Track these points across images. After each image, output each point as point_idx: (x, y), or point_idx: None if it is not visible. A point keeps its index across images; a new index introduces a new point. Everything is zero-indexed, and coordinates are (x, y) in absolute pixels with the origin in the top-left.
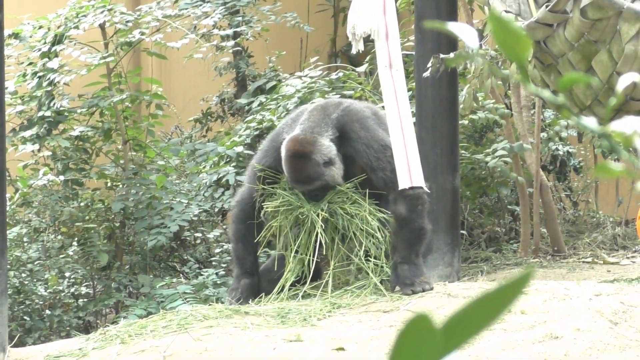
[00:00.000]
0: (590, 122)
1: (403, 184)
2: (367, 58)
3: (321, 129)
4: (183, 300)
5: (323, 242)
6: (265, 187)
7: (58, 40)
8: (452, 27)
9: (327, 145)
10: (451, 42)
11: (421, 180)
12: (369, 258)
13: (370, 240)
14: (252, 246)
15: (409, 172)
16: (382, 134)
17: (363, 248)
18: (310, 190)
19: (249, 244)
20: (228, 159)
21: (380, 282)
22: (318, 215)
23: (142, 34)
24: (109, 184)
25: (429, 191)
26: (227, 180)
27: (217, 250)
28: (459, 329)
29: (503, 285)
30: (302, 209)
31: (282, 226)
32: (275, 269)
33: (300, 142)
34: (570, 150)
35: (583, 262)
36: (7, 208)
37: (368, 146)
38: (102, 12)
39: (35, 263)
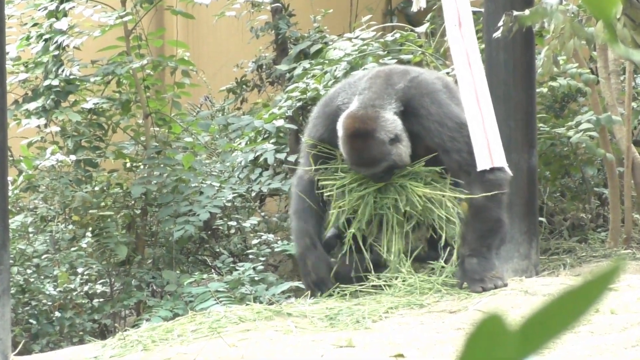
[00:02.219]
0: None
1: (482, 164)
2: (428, 16)
3: (384, 101)
4: (215, 299)
5: (389, 227)
6: (319, 167)
7: None
8: None
9: (391, 120)
10: None
11: (503, 159)
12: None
13: (452, 229)
14: (314, 225)
15: (489, 150)
16: (457, 110)
17: (444, 236)
18: (374, 173)
19: (310, 222)
20: (266, 135)
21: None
22: (389, 205)
23: None
24: (127, 165)
25: (511, 174)
26: (266, 160)
27: (255, 242)
28: (536, 331)
29: (588, 281)
30: (365, 190)
31: (344, 210)
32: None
33: (360, 118)
34: None
35: None
36: (10, 193)
37: (441, 124)
38: None
39: (43, 257)
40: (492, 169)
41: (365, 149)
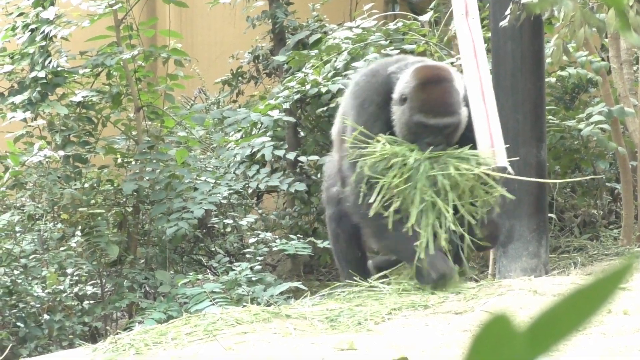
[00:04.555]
0: None
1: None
2: (432, 4)
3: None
4: (210, 301)
5: (444, 210)
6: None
7: None
8: None
9: (460, 79)
10: None
11: (504, 159)
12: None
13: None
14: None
15: (492, 149)
16: None
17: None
18: (443, 128)
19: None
20: (263, 129)
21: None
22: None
23: None
24: (118, 161)
25: (513, 172)
26: (263, 155)
27: (252, 240)
28: (545, 332)
29: (599, 280)
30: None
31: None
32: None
33: (436, 67)
34: None
35: None
36: None
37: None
38: None
39: (31, 257)
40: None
41: (444, 94)
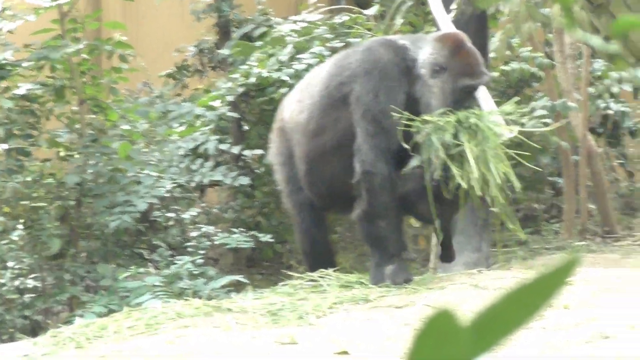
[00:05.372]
0: None
1: None
2: None
3: None
4: (152, 294)
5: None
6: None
7: None
8: None
9: None
10: None
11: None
12: None
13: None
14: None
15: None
16: None
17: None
18: (474, 89)
19: (399, 218)
20: (208, 122)
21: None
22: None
23: None
24: (62, 154)
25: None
26: (206, 149)
27: (194, 234)
28: (489, 327)
29: (542, 275)
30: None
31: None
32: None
33: (454, 33)
34: (624, 109)
35: None
36: None
37: None
38: None
39: None
40: None
41: (476, 54)
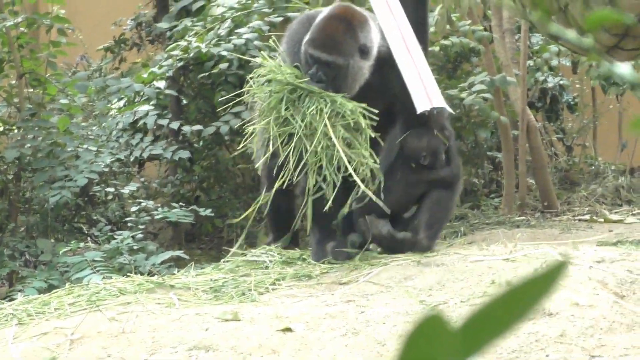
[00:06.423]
0: (626, 69)
1: (421, 105)
2: None
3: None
4: (92, 269)
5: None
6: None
7: None
8: None
9: (376, 33)
10: None
11: (441, 99)
12: None
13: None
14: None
15: (426, 91)
16: None
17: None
18: (325, 64)
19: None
20: (146, 97)
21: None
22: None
23: None
24: (0, 128)
25: (452, 111)
26: (145, 123)
27: (134, 209)
28: (479, 330)
29: (531, 279)
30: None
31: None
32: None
33: (349, 8)
34: (562, 83)
35: (579, 220)
36: None
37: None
38: None
39: None
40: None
41: (333, 31)
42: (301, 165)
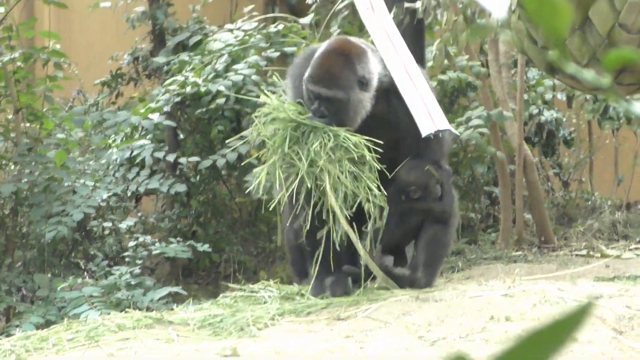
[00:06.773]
0: None
1: (425, 129)
2: (313, 7)
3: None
4: (89, 305)
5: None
6: None
7: None
8: None
9: (375, 64)
10: None
11: (445, 121)
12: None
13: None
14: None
15: (430, 115)
16: None
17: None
18: (326, 99)
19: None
20: (143, 132)
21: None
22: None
23: None
24: None
25: (457, 133)
26: (143, 158)
27: (131, 244)
28: None
29: (557, 321)
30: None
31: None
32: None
33: (346, 42)
34: (557, 117)
35: (576, 255)
36: None
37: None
38: None
39: None
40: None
41: (332, 66)
42: (302, 198)
